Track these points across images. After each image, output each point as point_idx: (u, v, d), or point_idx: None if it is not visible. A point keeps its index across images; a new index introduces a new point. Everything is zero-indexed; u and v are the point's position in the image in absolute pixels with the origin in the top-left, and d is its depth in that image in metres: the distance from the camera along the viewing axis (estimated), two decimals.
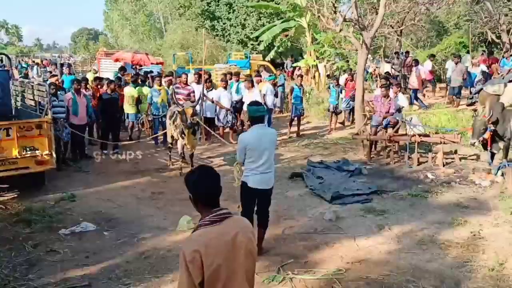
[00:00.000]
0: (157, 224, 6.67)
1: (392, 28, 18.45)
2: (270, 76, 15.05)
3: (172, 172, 9.58)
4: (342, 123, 14.60)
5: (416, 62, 17.28)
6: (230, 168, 9.63)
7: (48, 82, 10.45)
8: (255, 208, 5.59)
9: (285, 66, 24.08)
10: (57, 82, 10.69)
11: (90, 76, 14.30)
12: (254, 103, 5.56)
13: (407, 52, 19.97)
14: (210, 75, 13.39)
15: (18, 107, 9.06)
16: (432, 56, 18.53)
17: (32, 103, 8.32)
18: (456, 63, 15.78)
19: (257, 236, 5.57)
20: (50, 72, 19.86)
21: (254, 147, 5.31)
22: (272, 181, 5.60)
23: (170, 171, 9.73)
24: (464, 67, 15.89)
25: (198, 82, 12.07)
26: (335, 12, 13.43)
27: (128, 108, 12.07)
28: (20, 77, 14.55)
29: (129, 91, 12.04)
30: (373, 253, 5.60)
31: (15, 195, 6.80)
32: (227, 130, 12.63)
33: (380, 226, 6.42)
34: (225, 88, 12.40)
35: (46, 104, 7.81)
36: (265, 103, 11.15)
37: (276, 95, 13.36)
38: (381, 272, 5.05)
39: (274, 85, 13.48)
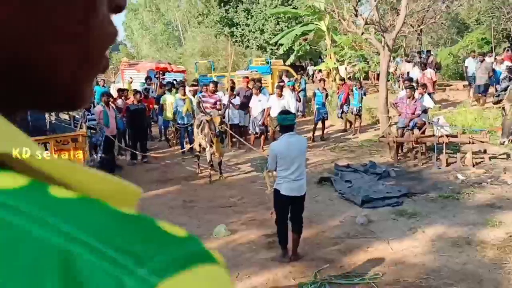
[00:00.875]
0: (191, 233, 6.79)
1: (412, 27, 18.35)
2: (289, 81, 15.15)
3: (202, 180, 9.74)
4: (345, 130, 14.38)
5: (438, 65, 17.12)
6: (258, 174, 9.82)
7: None
8: (289, 215, 5.70)
9: (306, 70, 24.13)
10: None
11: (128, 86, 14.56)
12: (283, 112, 5.69)
13: (428, 51, 19.83)
14: (234, 83, 13.55)
15: (52, 122, 9.35)
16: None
17: (67, 117, 8.59)
18: (482, 61, 15.60)
19: (292, 242, 5.69)
20: None
21: (285, 155, 5.42)
22: (304, 187, 5.69)
23: (199, 179, 9.89)
24: (490, 64, 15.71)
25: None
26: (356, 15, 13.44)
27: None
28: None
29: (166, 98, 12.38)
30: (408, 256, 5.62)
31: None
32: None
33: (413, 229, 6.44)
34: (257, 94, 12.41)
35: (81, 118, 8.07)
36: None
37: (298, 100, 13.44)
38: (418, 275, 5.08)
39: (294, 89, 13.57)
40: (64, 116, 8.81)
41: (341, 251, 5.89)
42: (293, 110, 12.45)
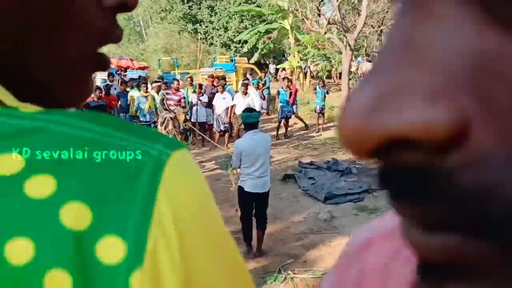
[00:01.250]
0: None
1: (373, 28, 18.82)
2: (254, 79, 15.23)
3: None
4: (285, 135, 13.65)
5: None
6: (222, 172, 9.84)
7: None
8: (253, 212, 5.77)
9: (269, 68, 24.26)
10: None
11: None
12: (247, 110, 5.76)
13: None
14: (192, 79, 13.45)
15: None
16: None
17: None
18: None
19: (256, 238, 5.77)
20: None
21: (250, 153, 5.50)
22: (268, 184, 5.78)
23: None
24: None
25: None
26: (319, 15, 13.67)
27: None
28: None
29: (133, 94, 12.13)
30: None
31: None
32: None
33: None
34: (222, 92, 12.42)
35: None
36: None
37: (263, 98, 13.55)
38: None
39: (258, 88, 13.68)
40: None
41: (304, 246, 6.02)
42: (257, 108, 12.53)
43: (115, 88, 13.37)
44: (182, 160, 0.42)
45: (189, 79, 12.92)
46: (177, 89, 11.49)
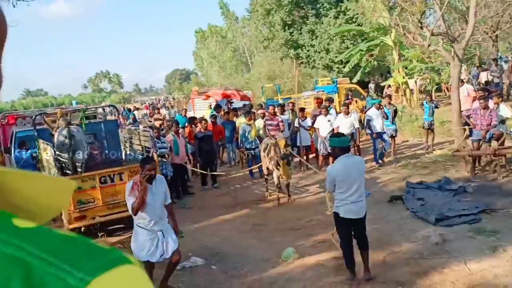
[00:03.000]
0: (261, 256, 6.86)
1: (486, 34, 17.49)
2: (375, 99, 14.49)
3: (271, 203, 9.81)
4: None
5: None
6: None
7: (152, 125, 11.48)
8: (352, 233, 5.59)
9: (369, 88, 23.35)
10: (160, 125, 11.68)
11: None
12: (335, 135, 5.66)
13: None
14: (294, 104, 13.52)
15: (127, 153, 9.91)
16: None
17: (139, 148, 9.06)
18: None
19: (361, 258, 5.56)
20: (148, 114, 21.71)
21: (343, 178, 5.39)
22: (364, 209, 5.59)
23: (268, 202, 9.97)
24: None
25: (282, 113, 12.46)
26: (421, 28, 13.07)
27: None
28: (128, 123, 16.12)
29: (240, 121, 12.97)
30: (487, 277, 5.29)
31: (130, 234, 7.39)
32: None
33: (493, 248, 6.05)
34: (325, 115, 12.19)
35: (151, 147, 8.48)
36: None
37: (386, 117, 12.70)
38: None
39: (380, 107, 12.75)
40: (137, 147, 9.31)
41: (414, 273, 5.66)
42: (357, 127, 12.20)
43: (220, 118, 13.98)
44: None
45: (290, 105, 13.06)
46: (274, 114, 11.65)
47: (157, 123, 12.03)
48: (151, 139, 8.66)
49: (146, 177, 5.35)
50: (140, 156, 8.53)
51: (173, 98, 45.14)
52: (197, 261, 6.77)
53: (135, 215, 5.39)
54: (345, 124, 11.46)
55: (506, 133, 10.00)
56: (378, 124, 11.97)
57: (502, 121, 10.16)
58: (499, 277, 5.26)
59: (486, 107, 9.98)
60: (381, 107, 12.36)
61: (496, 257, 5.80)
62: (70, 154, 8.16)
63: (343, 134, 5.85)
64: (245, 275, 6.20)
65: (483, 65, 24.74)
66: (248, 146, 12.11)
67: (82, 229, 8.52)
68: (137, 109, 34.10)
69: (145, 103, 44.81)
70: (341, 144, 5.48)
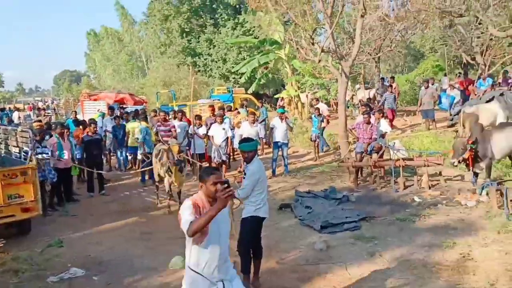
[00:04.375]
0: (147, 265, 6.58)
1: (370, 55, 18.90)
2: (280, 108, 14.52)
3: (160, 211, 9.53)
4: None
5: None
6: None
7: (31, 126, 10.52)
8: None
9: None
10: (41, 127, 10.77)
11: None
12: (245, 140, 5.64)
13: (392, 78, 20.37)
14: (183, 112, 13.37)
15: (2, 155, 9.00)
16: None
17: (16, 149, 8.28)
18: (426, 87, 16.09)
19: (254, 269, 5.55)
20: (36, 115, 20.12)
21: (263, 178, 5.46)
22: None
23: (158, 209, 9.67)
24: (434, 90, 16.21)
25: (181, 120, 12.27)
26: (313, 44, 13.73)
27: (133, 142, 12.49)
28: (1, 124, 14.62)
29: (133, 126, 12.59)
30: (365, 280, 5.59)
31: (1, 244, 6.69)
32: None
33: (371, 253, 6.44)
34: (220, 123, 12.15)
35: (30, 150, 7.78)
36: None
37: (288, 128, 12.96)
38: None
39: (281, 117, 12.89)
40: (14, 149, 8.49)
41: (299, 279, 5.81)
42: (262, 136, 12.50)
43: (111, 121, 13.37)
44: None
45: (179, 114, 12.78)
46: (165, 119, 11.36)
47: (36, 125, 11.07)
48: (30, 140, 7.95)
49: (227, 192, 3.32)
50: (16, 159, 7.79)
51: (59, 100, 42.47)
52: (77, 272, 6.30)
53: (191, 235, 3.46)
54: (251, 133, 11.48)
55: (385, 146, 10.81)
56: (279, 133, 12.17)
57: (382, 136, 10.97)
58: (376, 280, 5.59)
59: (368, 122, 10.70)
60: (282, 117, 12.50)
61: (374, 261, 6.16)
62: None
63: (251, 138, 5.81)
64: (130, 285, 5.89)
65: (366, 84, 26.70)
66: (148, 151, 11.58)
67: None
68: (18, 109, 31.46)
69: (28, 104, 41.55)
70: (253, 148, 5.47)
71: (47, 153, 9.38)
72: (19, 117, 23.89)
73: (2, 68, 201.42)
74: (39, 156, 8.65)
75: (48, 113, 21.81)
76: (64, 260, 6.87)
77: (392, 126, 15.60)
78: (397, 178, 10.08)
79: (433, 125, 15.73)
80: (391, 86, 17.58)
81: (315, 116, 14.27)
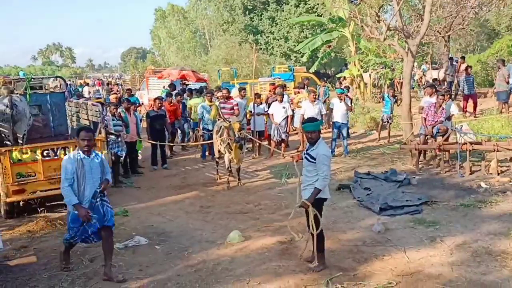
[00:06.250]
0: (206, 238, 6.79)
1: (439, 33, 18.00)
2: (340, 88, 14.25)
3: (220, 186, 9.74)
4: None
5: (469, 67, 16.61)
6: (276, 181, 9.76)
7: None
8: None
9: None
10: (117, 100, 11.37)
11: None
12: (310, 120, 5.58)
13: (463, 58, 19.38)
14: (245, 89, 13.48)
15: (74, 127, 9.52)
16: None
17: (87, 122, 8.72)
18: (499, 68, 15.26)
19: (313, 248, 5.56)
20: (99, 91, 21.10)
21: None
22: None
23: (217, 185, 9.89)
24: (506, 71, 15.20)
25: (243, 98, 12.38)
26: (378, 22, 13.28)
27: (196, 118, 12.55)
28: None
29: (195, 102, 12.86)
30: (424, 265, 5.46)
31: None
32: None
33: (431, 238, 6.26)
34: (280, 101, 12.25)
35: (99, 123, 8.17)
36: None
37: (350, 109, 12.80)
38: (434, 286, 4.92)
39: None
40: (85, 121, 8.95)
41: (355, 259, 5.77)
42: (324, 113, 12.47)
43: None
44: None
45: (242, 92, 12.91)
46: (227, 97, 11.39)
47: (113, 98, 11.63)
48: (99, 114, 8.34)
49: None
50: None
51: (123, 76, 43.92)
52: (140, 240, 6.62)
53: None
54: (313, 111, 11.42)
55: (451, 129, 10.36)
56: (338, 113, 12.00)
57: (448, 118, 10.50)
58: (435, 265, 5.44)
59: (440, 105, 10.22)
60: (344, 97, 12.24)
61: (434, 247, 5.99)
62: (11, 124, 7.74)
63: (315, 118, 5.72)
64: (189, 256, 6.11)
65: (434, 64, 25.55)
66: (205, 128, 11.77)
67: (21, 203, 8.17)
68: (87, 84, 32.95)
69: (98, 79, 43.41)
70: (317, 128, 5.42)
71: (121, 125, 9.86)
72: (89, 92, 24.99)
73: (73, 45, 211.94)
74: (115, 129, 9.13)
75: (120, 88, 22.82)
76: (129, 229, 7.24)
77: (474, 112, 15.02)
78: (462, 163, 9.66)
79: (506, 108, 14.87)
80: (469, 66, 16.67)
81: (388, 96, 13.77)
